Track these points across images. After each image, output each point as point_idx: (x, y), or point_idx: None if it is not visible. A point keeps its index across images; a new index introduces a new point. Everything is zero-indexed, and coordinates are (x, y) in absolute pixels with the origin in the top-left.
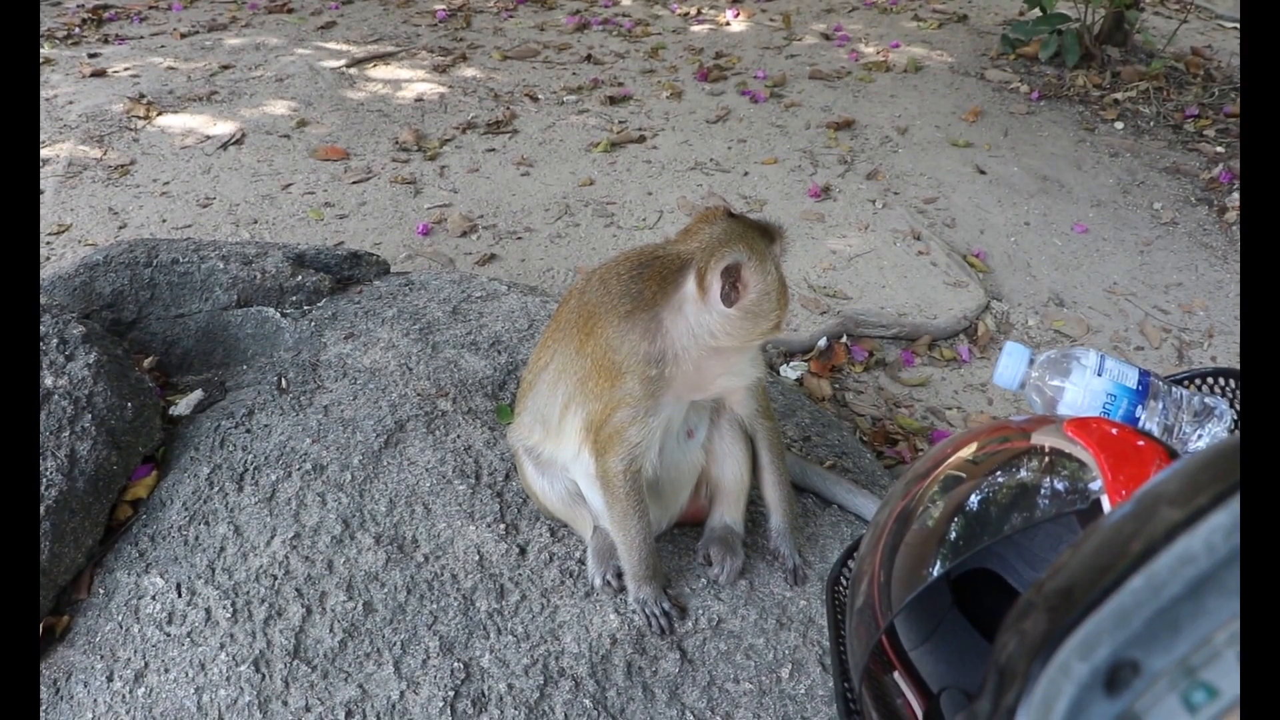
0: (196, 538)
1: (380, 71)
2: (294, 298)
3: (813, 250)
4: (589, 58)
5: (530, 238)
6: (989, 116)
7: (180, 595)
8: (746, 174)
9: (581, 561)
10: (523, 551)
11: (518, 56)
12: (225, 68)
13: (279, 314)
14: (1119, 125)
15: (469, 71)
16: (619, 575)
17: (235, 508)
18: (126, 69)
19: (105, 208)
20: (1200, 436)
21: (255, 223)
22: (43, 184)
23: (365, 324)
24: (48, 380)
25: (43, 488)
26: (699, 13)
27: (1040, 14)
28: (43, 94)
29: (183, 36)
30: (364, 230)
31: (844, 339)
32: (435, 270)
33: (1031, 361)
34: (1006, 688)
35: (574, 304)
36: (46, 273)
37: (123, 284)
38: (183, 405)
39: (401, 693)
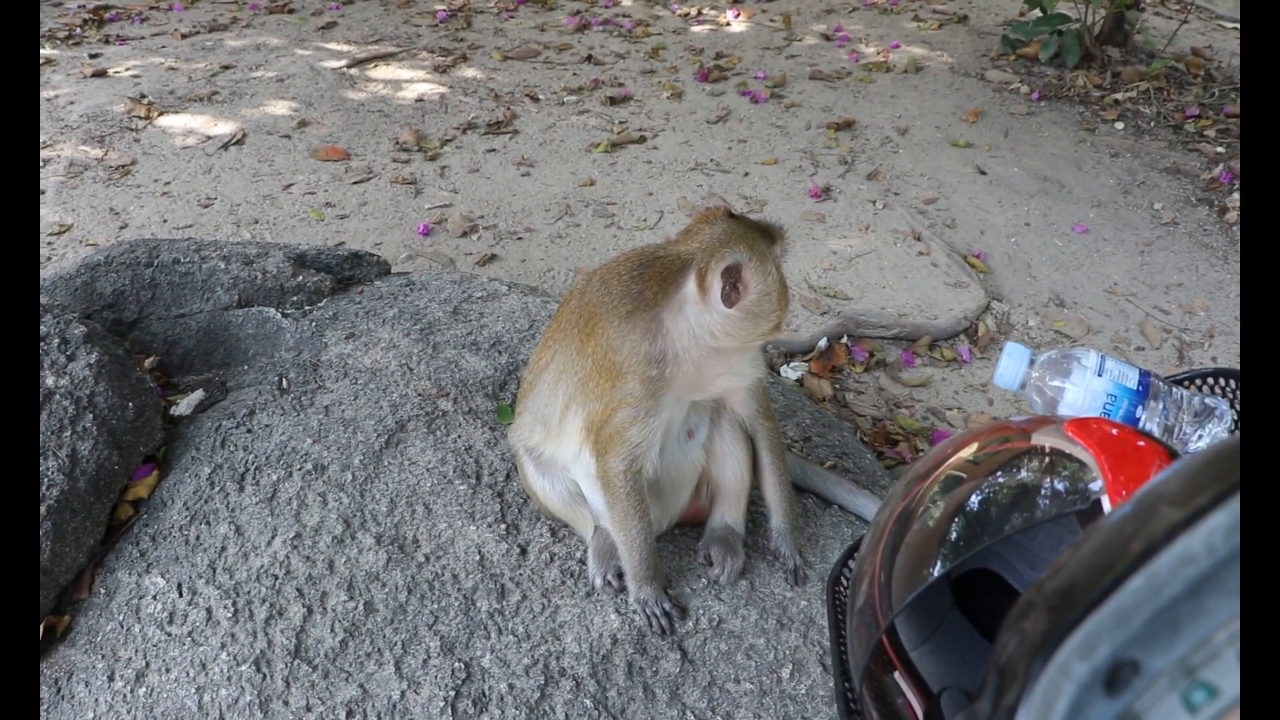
0: (197, 537)
1: (381, 72)
2: (295, 298)
3: (813, 251)
4: (589, 58)
5: (531, 238)
6: (989, 117)
7: (181, 595)
8: (747, 174)
9: (582, 561)
10: (523, 551)
11: (518, 57)
12: (226, 68)
13: (280, 314)
14: (1119, 126)
15: (469, 72)
16: (620, 575)
17: (236, 507)
18: (127, 69)
19: (106, 208)
20: (1201, 437)
21: (256, 223)
22: (44, 184)
23: (366, 324)
24: (49, 380)
25: (44, 487)
26: (699, 13)
27: (1040, 14)
28: (44, 94)
29: (184, 37)
30: (365, 230)
31: (844, 339)
32: (436, 270)
33: (1032, 362)
34: (1007, 687)
35: (575, 304)
36: (48, 273)
37: (124, 284)
38: (184, 405)
39: (402, 692)
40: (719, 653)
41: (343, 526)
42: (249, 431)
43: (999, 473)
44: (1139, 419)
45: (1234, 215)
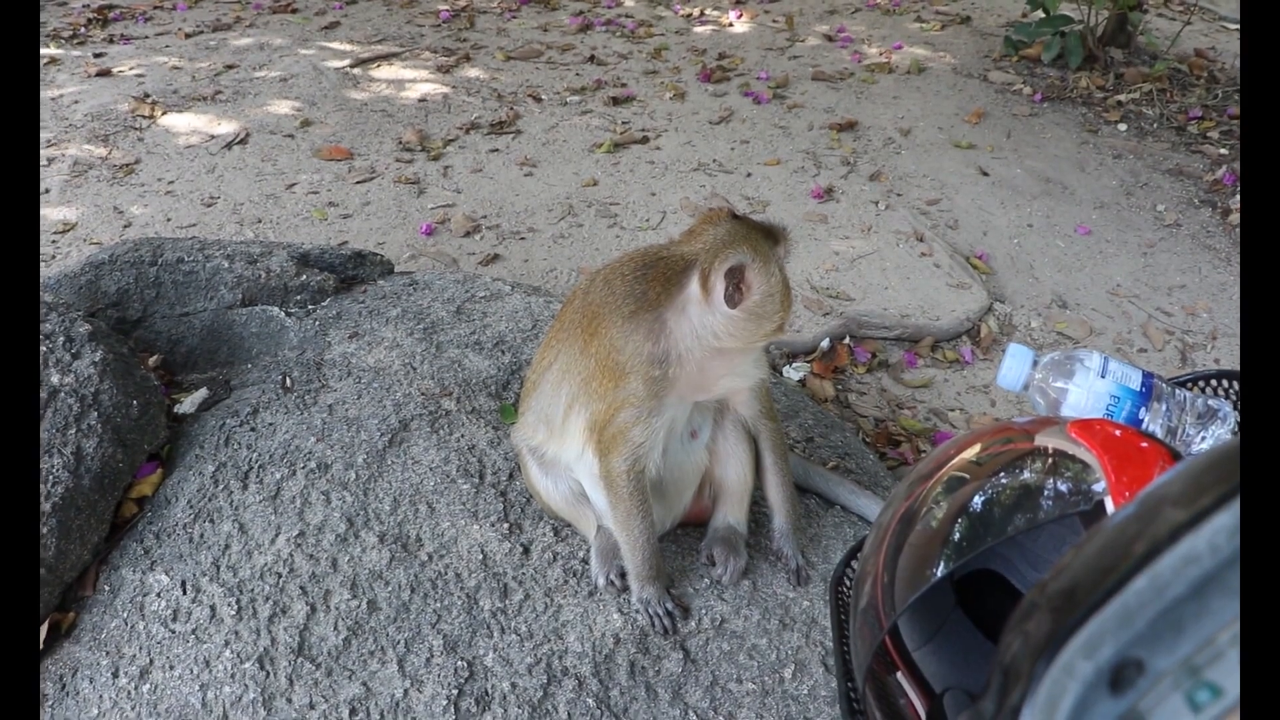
0: (201, 535)
1: (384, 72)
2: (298, 297)
3: (816, 251)
4: (592, 58)
5: (534, 238)
6: (992, 118)
7: (185, 592)
8: (749, 175)
9: (585, 561)
10: (526, 551)
11: (521, 57)
12: (230, 67)
13: (283, 313)
14: (1122, 127)
15: (472, 72)
16: (622, 575)
17: (240, 506)
18: (132, 68)
19: (110, 207)
20: (1203, 438)
21: (259, 222)
22: (48, 183)
23: (369, 323)
24: (54, 378)
25: (49, 485)
26: (702, 14)
27: (1043, 16)
28: (49, 93)
29: (187, 36)
30: (368, 230)
31: (847, 340)
32: (439, 270)
33: (1035, 363)
34: (1011, 687)
35: (578, 304)
36: (52, 271)
37: (128, 283)
38: (188, 403)
39: (405, 691)
40: (721, 653)
41: (346, 525)
42: (253, 430)
43: (1002, 474)
44: (1142, 420)
45: (1237, 217)
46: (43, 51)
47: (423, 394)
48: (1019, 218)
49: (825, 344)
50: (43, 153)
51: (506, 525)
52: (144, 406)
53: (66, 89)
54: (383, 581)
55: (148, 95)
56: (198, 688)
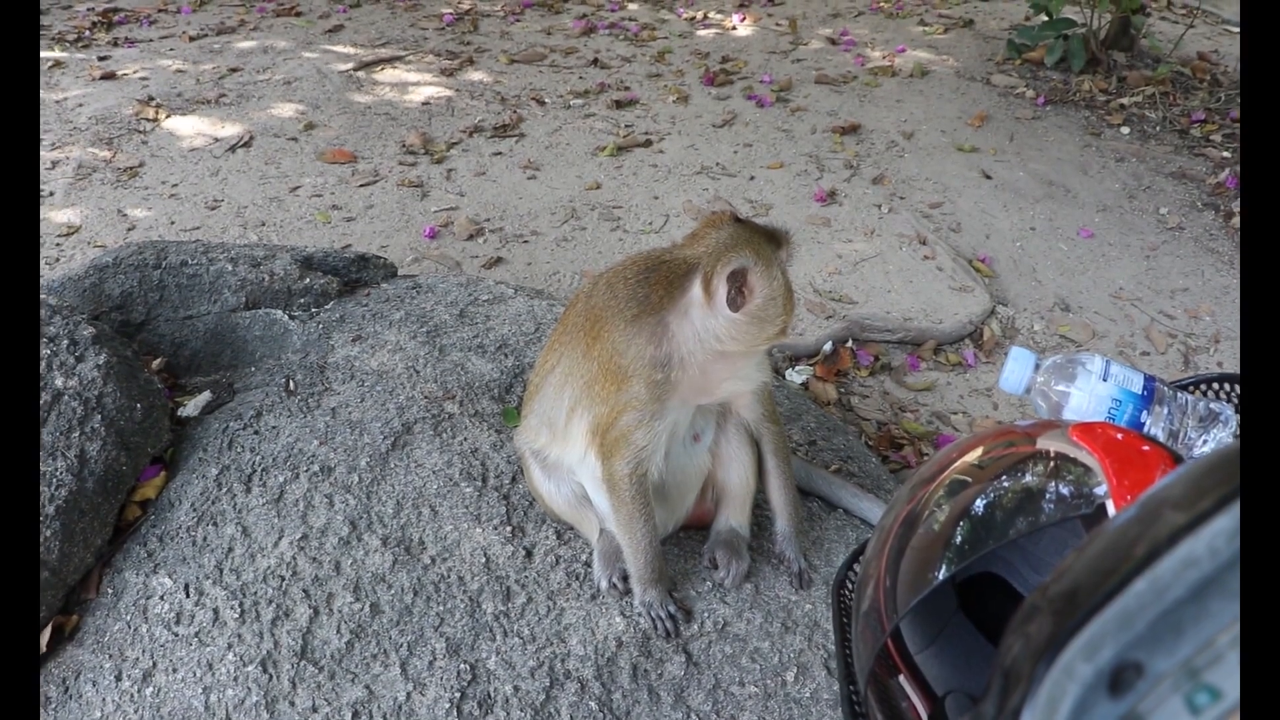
0: (205, 538)
1: (387, 75)
2: (302, 300)
3: (818, 254)
4: (595, 62)
5: (537, 241)
6: (995, 121)
7: (188, 595)
8: (752, 178)
9: (587, 564)
10: (529, 554)
11: (524, 60)
12: (234, 70)
13: (287, 316)
14: (1125, 130)
15: (476, 75)
16: (625, 578)
17: (243, 509)
18: (136, 72)
19: (114, 210)
20: (1205, 442)
21: (263, 225)
22: (53, 186)
23: (373, 326)
24: (58, 381)
25: (52, 488)
26: (705, 17)
27: (1046, 19)
28: (53, 96)
29: (192, 39)
30: (371, 233)
31: (849, 343)
32: (442, 273)
33: (1037, 366)
34: (1011, 690)
35: (580, 308)
36: (56, 274)
37: (132, 286)
38: (191, 406)
39: (408, 694)
40: (724, 656)
41: (349, 528)
42: (256, 433)
43: (1004, 477)
44: (1144, 424)
45: (1240, 220)
46: (47, 55)
47: (426, 397)
48: (1021, 221)
49: (828, 347)
50: (47, 156)
51: (509, 528)
52: (147, 409)
53: (71, 92)
54: (385, 584)
55: (152, 98)
56: (201, 691)
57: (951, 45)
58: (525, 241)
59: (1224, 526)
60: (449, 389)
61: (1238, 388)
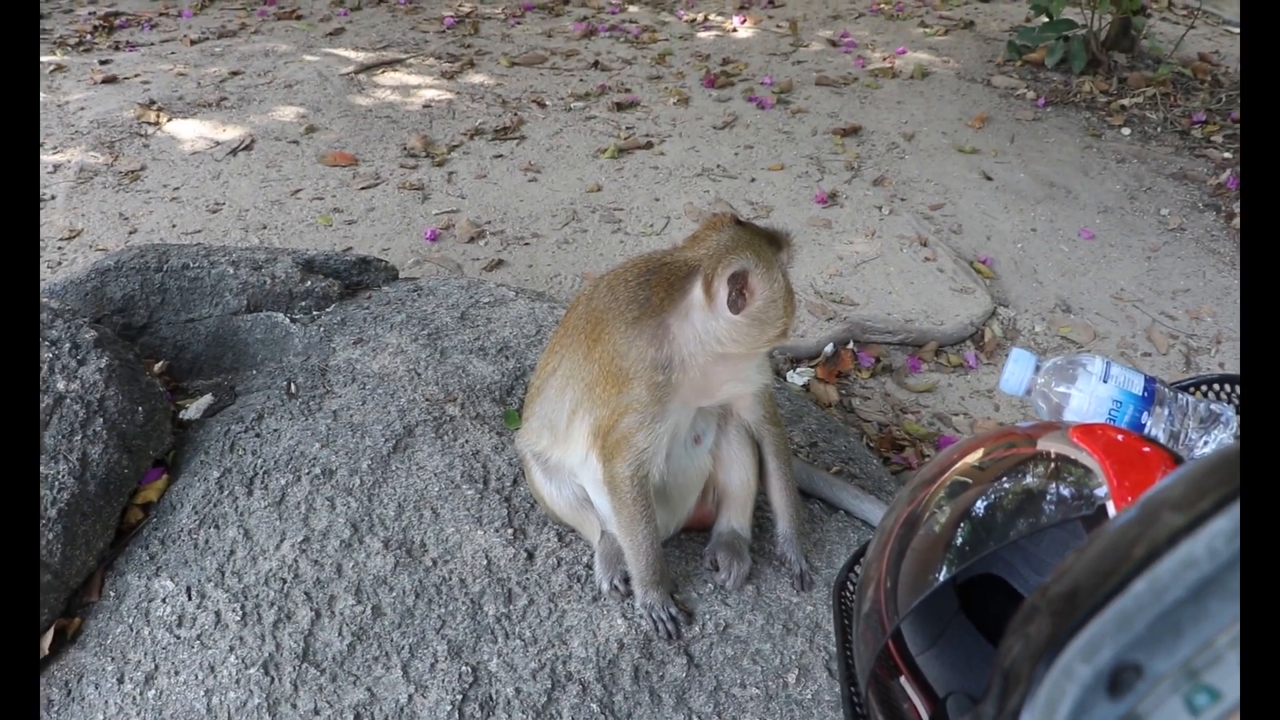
0: (206, 541)
1: (388, 78)
2: (303, 303)
3: (819, 256)
4: (596, 64)
5: (538, 243)
6: (995, 123)
7: (190, 598)
8: (753, 180)
9: (589, 566)
10: (530, 556)
11: (525, 63)
12: (235, 74)
13: (288, 319)
14: (1126, 131)
15: (477, 78)
16: (626, 580)
17: (245, 511)
18: (137, 75)
19: (116, 213)
20: (1206, 443)
21: (264, 228)
22: (54, 190)
23: (374, 329)
24: (60, 384)
25: (55, 491)
26: (706, 19)
27: (1047, 20)
28: (55, 100)
29: (193, 43)
30: (372, 236)
31: (850, 345)
32: (443, 276)
33: (1038, 368)
34: (1011, 691)
35: (582, 310)
36: (58, 278)
37: (134, 289)
38: (193, 409)
39: (410, 696)
40: (725, 657)
41: (351, 531)
42: (257, 436)
43: (1004, 478)
44: (1144, 425)
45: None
46: (49, 58)
47: (427, 400)
48: (1022, 222)
49: (829, 349)
50: (49, 159)
51: (510, 531)
52: (149, 412)
53: (72, 96)
54: (387, 587)
55: (153, 102)
56: (203, 693)
57: (952, 47)
58: (526, 244)
59: (1223, 527)
60: (450, 391)
61: (1239, 389)
